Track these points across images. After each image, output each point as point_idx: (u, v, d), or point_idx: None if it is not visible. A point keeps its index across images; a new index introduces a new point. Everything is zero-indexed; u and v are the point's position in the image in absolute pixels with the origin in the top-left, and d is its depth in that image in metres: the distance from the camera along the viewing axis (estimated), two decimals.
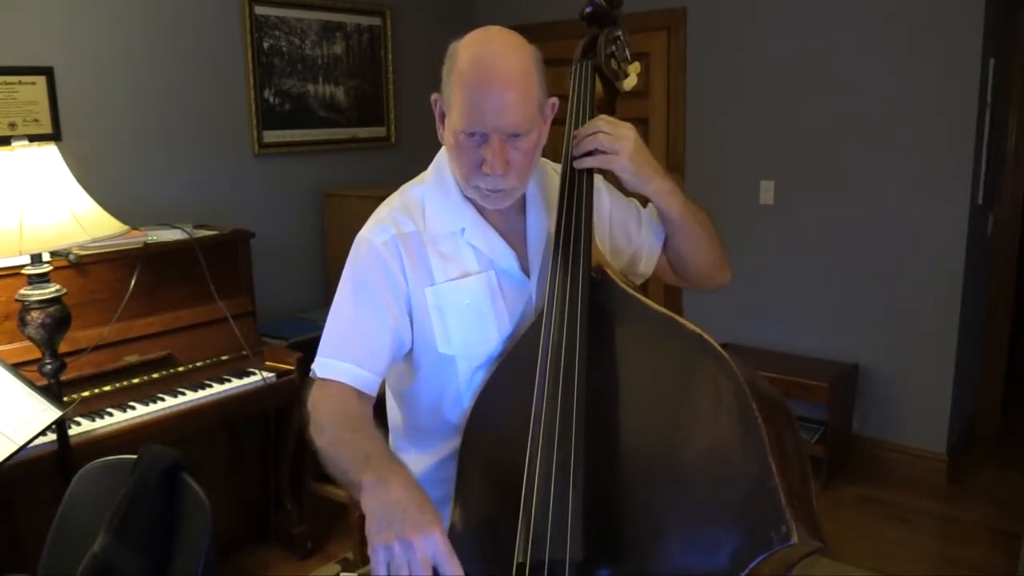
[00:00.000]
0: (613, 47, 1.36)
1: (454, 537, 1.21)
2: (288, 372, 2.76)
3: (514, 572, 1.05)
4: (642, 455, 1.07)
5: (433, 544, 0.90)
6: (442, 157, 1.30)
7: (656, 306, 1.14)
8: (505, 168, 1.14)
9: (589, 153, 1.23)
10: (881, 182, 3.36)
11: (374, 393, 1.21)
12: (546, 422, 1.10)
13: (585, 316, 1.14)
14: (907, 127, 3.27)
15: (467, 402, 1.27)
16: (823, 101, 3.45)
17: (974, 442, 3.71)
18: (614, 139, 1.21)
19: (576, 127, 1.28)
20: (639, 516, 1.04)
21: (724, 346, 1.07)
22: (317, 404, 1.16)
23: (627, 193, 1.46)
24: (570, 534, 1.03)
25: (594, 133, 1.21)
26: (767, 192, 3.67)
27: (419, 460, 1.35)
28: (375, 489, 0.95)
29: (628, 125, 1.24)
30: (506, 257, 1.26)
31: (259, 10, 3.43)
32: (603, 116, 1.27)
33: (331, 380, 1.18)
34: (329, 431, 1.10)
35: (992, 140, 3.39)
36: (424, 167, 1.35)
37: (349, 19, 3.82)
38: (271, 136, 3.54)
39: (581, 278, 1.17)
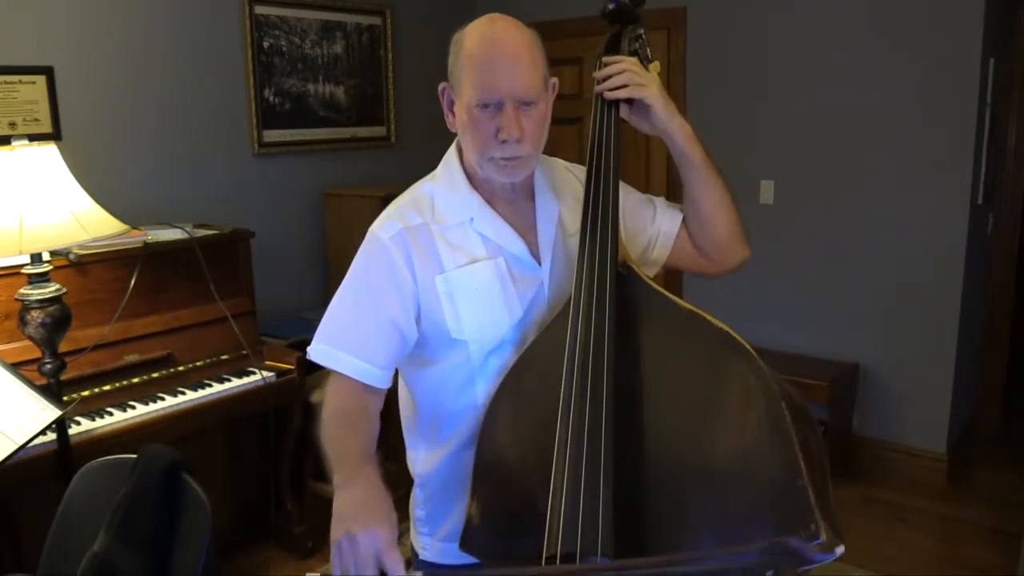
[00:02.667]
0: (636, 45, 1.36)
1: (472, 531, 1.22)
2: (288, 371, 2.76)
3: (543, 565, 1.06)
4: (670, 452, 1.07)
5: (375, 539, 0.96)
6: (451, 154, 1.33)
7: (683, 303, 1.15)
8: (520, 132, 1.18)
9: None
10: (881, 182, 3.36)
11: (382, 385, 1.26)
12: (575, 416, 1.10)
13: (613, 311, 1.15)
14: (907, 127, 3.27)
15: (479, 387, 1.28)
16: (823, 101, 3.45)
17: (974, 442, 3.71)
18: (642, 76, 1.26)
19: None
20: (667, 513, 1.05)
21: None
22: (327, 398, 1.23)
23: (642, 174, 1.46)
24: (601, 527, 1.03)
25: (623, 70, 1.27)
26: (767, 192, 3.67)
27: (430, 456, 1.36)
28: (340, 490, 1.04)
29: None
30: (515, 243, 1.28)
31: (259, 10, 3.43)
32: (628, 57, 1.30)
33: (341, 374, 1.24)
34: (324, 428, 1.17)
35: (992, 140, 3.40)
36: (424, 166, 1.37)
37: (349, 19, 3.82)
38: (271, 136, 3.54)
39: (608, 274, 1.17)
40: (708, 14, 3.72)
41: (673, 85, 3.86)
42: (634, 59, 1.29)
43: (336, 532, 0.98)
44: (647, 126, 1.29)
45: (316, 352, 1.26)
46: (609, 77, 1.28)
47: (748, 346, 1.06)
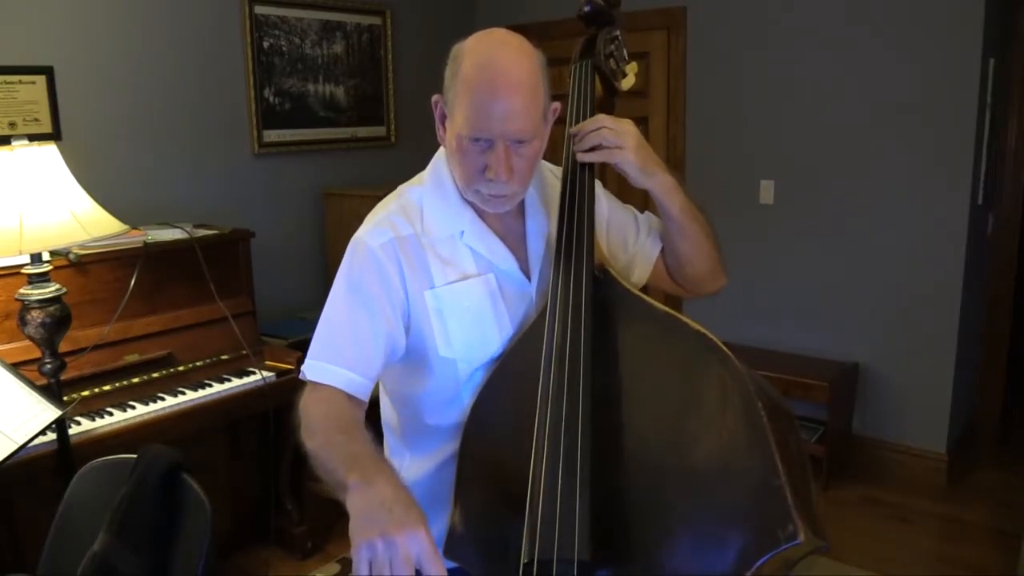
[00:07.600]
0: (612, 47, 1.36)
1: (455, 538, 1.21)
2: (288, 371, 2.76)
3: (520, 573, 1.05)
4: (647, 454, 1.07)
5: (418, 543, 0.87)
6: (440, 159, 1.29)
7: (659, 305, 1.14)
8: (509, 174, 1.14)
9: (594, 149, 1.23)
10: (881, 182, 3.36)
11: (366, 398, 1.19)
12: (551, 419, 1.09)
13: (589, 314, 1.14)
14: (907, 127, 3.27)
15: (467, 402, 1.26)
16: (823, 101, 3.45)
17: (974, 442, 3.71)
18: (618, 134, 1.21)
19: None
20: (645, 515, 1.04)
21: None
22: (308, 407, 1.14)
23: (625, 197, 1.46)
24: (578, 532, 1.02)
25: (597, 128, 1.22)
26: (767, 192, 3.66)
27: (415, 464, 1.34)
28: (360, 488, 0.93)
29: (629, 121, 1.24)
30: (505, 260, 1.25)
31: (259, 10, 3.43)
32: (603, 115, 1.27)
33: (323, 384, 1.17)
34: (319, 434, 1.09)
35: (992, 140, 3.39)
36: (423, 166, 1.35)
37: (349, 19, 3.82)
38: (271, 136, 3.54)
39: (584, 276, 1.16)
40: (708, 14, 3.72)
41: (673, 85, 3.87)
42: (609, 117, 1.24)
43: (367, 533, 0.87)
44: (627, 177, 1.26)
45: (311, 369, 1.18)
46: (587, 136, 1.23)
47: (724, 347, 1.06)
